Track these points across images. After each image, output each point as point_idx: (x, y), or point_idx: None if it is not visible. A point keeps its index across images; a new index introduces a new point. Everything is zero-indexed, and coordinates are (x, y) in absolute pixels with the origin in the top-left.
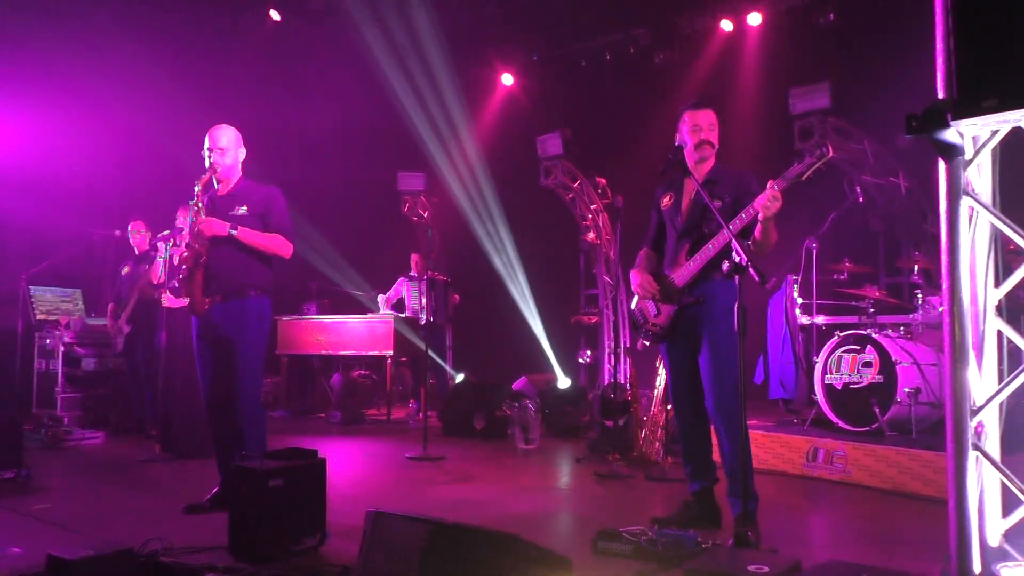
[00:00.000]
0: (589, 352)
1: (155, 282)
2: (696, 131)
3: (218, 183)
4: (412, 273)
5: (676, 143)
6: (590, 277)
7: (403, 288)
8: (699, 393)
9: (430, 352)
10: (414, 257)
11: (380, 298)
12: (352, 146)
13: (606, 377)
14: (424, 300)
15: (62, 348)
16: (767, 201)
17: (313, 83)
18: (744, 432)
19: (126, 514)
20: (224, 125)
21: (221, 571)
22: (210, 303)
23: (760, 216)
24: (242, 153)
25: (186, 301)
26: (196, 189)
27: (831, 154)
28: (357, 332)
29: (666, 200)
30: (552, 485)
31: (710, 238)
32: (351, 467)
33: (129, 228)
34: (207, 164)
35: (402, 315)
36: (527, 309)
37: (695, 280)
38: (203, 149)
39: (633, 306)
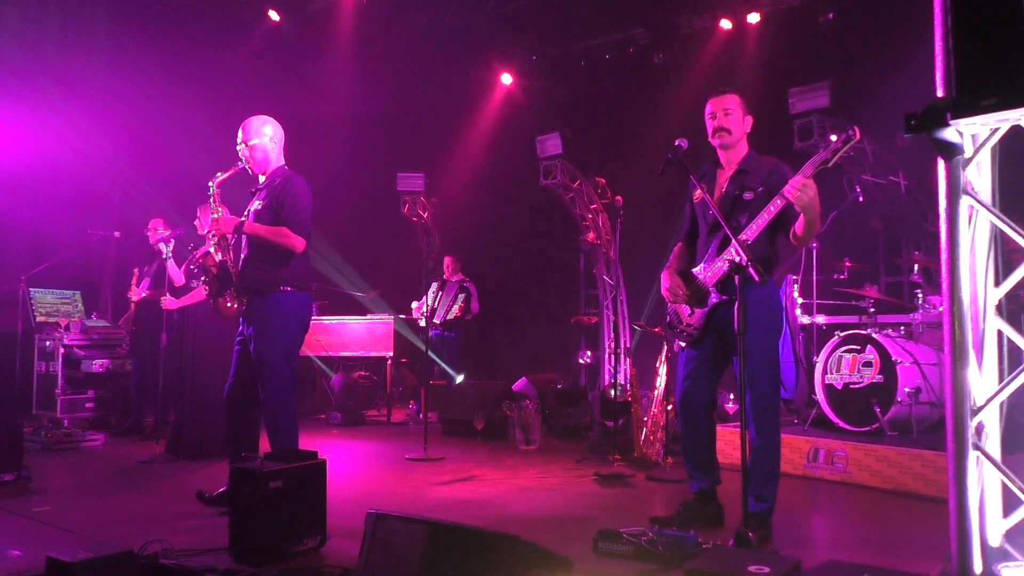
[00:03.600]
0: (589, 352)
1: (177, 285)
2: (712, 118)
3: (260, 176)
4: (445, 277)
5: (676, 142)
6: (590, 277)
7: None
8: (714, 391)
9: (445, 354)
10: (447, 260)
11: (414, 305)
12: (351, 147)
13: (606, 377)
14: (454, 302)
15: (62, 350)
16: (797, 190)
17: (312, 83)
18: (743, 433)
19: (126, 516)
20: (254, 117)
21: (222, 573)
22: (239, 305)
23: (795, 206)
24: (272, 144)
25: (184, 300)
26: (211, 187)
27: (858, 136)
28: (357, 333)
29: (698, 193)
30: (552, 485)
31: (741, 232)
32: (351, 468)
33: (149, 226)
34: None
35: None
36: (527, 309)
37: (726, 278)
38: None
39: (667, 307)
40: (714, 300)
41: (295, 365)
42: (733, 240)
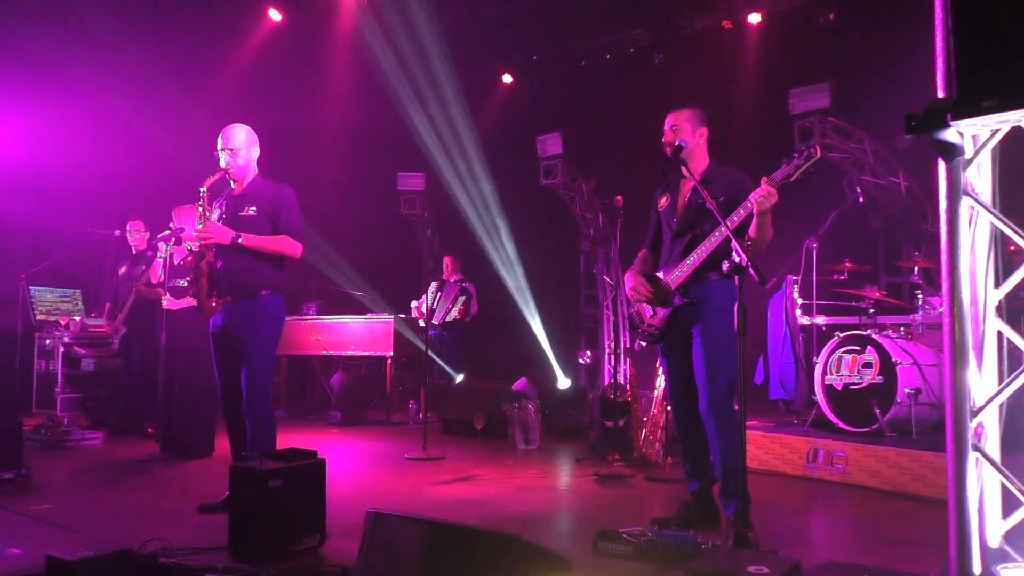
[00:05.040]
0: (589, 352)
1: (155, 282)
2: (664, 134)
3: (233, 183)
4: (444, 277)
5: (676, 143)
6: (590, 277)
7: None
8: (696, 394)
9: (445, 354)
10: (446, 259)
11: (413, 304)
12: (352, 146)
13: (606, 377)
14: (453, 304)
15: (62, 348)
16: (762, 196)
17: (313, 83)
18: (740, 432)
19: (126, 514)
20: (237, 124)
21: (221, 571)
22: (222, 304)
23: (755, 211)
24: (255, 152)
25: (186, 302)
26: (202, 191)
27: (819, 155)
28: (357, 332)
29: (663, 201)
30: (552, 485)
31: (704, 238)
32: (351, 467)
33: (128, 228)
34: (221, 164)
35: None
36: (527, 309)
37: (689, 281)
38: (216, 149)
39: (631, 307)
40: (677, 302)
41: (274, 366)
42: (734, 241)
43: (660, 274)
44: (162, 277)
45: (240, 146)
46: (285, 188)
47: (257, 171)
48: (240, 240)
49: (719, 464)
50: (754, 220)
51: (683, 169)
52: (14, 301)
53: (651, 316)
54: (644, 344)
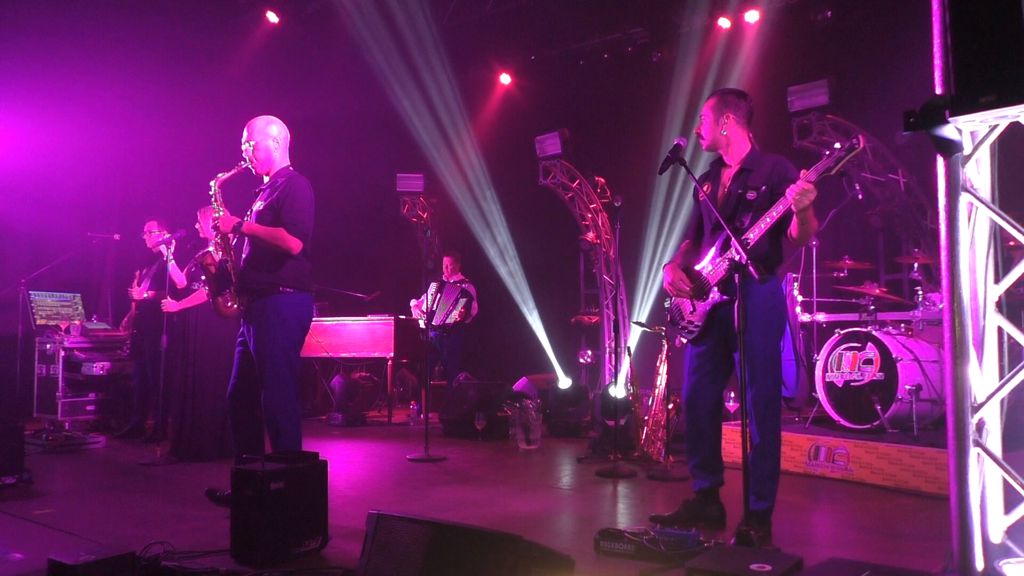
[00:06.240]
0: (590, 352)
1: (180, 286)
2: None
3: (264, 176)
4: (444, 278)
5: (675, 141)
6: (590, 277)
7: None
8: (721, 391)
9: (445, 355)
10: (446, 260)
11: (412, 303)
12: (351, 147)
13: (607, 377)
14: (454, 307)
15: (62, 353)
16: (797, 194)
17: (311, 84)
18: (743, 432)
19: (128, 518)
20: (258, 117)
21: (223, 574)
22: (240, 304)
23: (793, 208)
24: (274, 144)
25: (187, 303)
26: (213, 186)
27: (862, 146)
28: (357, 334)
29: (704, 191)
30: (554, 485)
31: (745, 231)
32: (352, 469)
33: (144, 229)
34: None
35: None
36: (527, 309)
37: (728, 276)
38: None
39: (668, 304)
40: (715, 299)
41: (296, 366)
42: (733, 239)
43: (700, 267)
44: (182, 279)
45: (256, 138)
46: (296, 180)
47: (286, 163)
48: (242, 228)
49: (755, 460)
50: (794, 217)
51: (723, 157)
52: (14, 306)
53: (691, 312)
54: (684, 341)
